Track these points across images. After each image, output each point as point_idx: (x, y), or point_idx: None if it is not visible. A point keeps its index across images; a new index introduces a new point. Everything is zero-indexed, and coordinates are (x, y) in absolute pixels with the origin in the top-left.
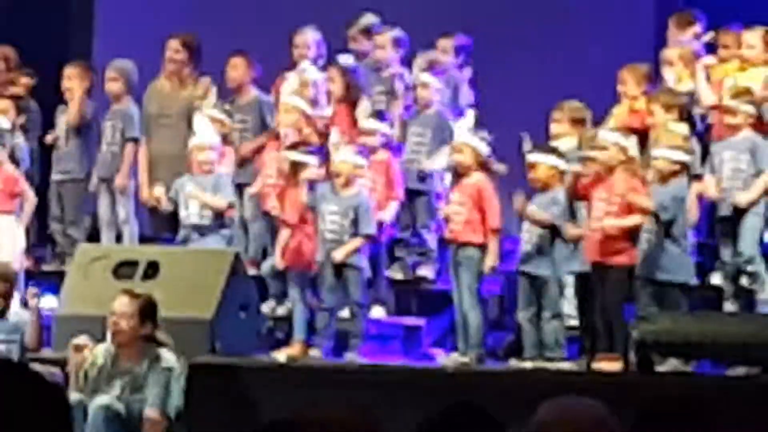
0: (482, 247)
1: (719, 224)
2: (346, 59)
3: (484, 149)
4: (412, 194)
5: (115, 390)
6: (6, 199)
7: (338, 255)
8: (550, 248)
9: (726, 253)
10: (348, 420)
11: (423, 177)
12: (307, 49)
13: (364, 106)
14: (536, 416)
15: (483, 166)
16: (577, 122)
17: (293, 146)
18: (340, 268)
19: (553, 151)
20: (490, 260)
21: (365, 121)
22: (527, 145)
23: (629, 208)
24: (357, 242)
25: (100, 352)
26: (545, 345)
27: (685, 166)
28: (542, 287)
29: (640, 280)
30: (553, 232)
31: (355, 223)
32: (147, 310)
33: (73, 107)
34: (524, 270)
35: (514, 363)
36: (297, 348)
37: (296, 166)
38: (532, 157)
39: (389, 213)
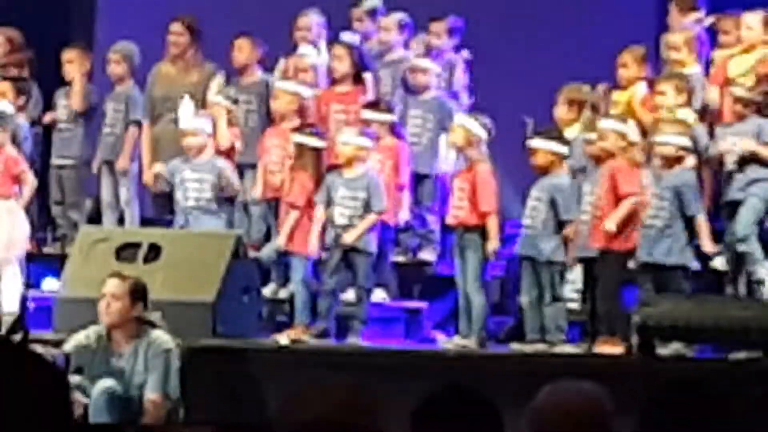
0: (486, 231)
1: (725, 209)
2: (350, 37)
3: (482, 132)
4: (415, 178)
5: (111, 373)
6: (7, 182)
7: (349, 238)
8: (553, 232)
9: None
10: (347, 402)
11: (426, 162)
12: (308, 32)
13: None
14: (534, 401)
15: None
16: (575, 103)
17: (297, 129)
18: (347, 252)
19: (554, 136)
20: (491, 244)
21: (364, 112)
22: (529, 128)
23: (617, 195)
24: (369, 221)
25: (93, 336)
26: (546, 329)
27: (689, 151)
28: (543, 271)
29: (642, 264)
30: (556, 215)
31: (366, 203)
32: (137, 292)
33: (76, 94)
34: (526, 254)
35: (515, 347)
36: (299, 331)
37: (302, 149)
38: (532, 143)
39: (405, 207)
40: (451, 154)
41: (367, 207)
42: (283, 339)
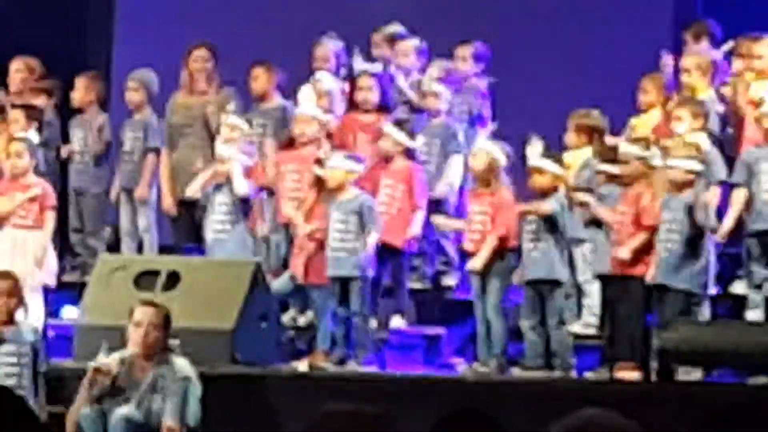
0: (507, 255)
1: (754, 237)
2: (375, 68)
3: (502, 160)
4: (430, 205)
5: (132, 400)
6: (35, 212)
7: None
8: (557, 255)
9: (757, 267)
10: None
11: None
12: (325, 62)
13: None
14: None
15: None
16: (583, 129)
17: (319, 160)
18: (346, 280)
19: (557, 158)
20: (478, 261)
21: (385, 126)
22: (536, 148)
23: (640, 222)
24: (371, 243)
25: (116, 362)
26: (553, 353)
27: (699, 175)
28: (548, 295)
29: (657, 289)
30: (556, 239)
31: (359, 226)
32: (168, 321)
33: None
34: (529, 278)
35: (518, 372)
36: (318, 357)
37: (321, 181)
38: (541, 163)
39: (416, 226)
40: (457, 178)
41: (360, 230)
42: (303, 366)
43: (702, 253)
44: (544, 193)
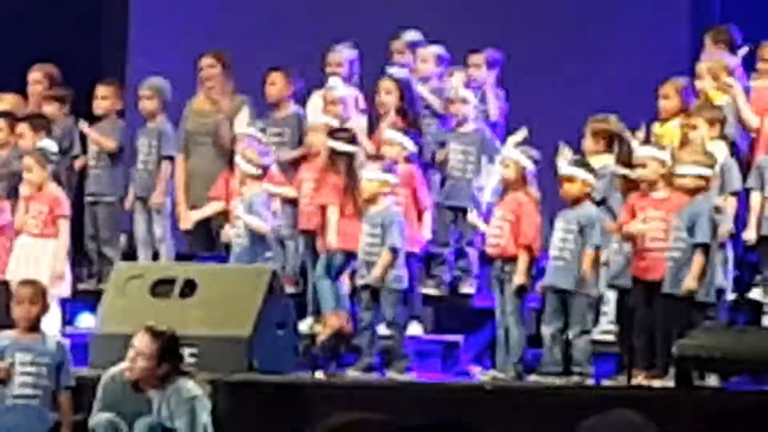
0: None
1: (765, 241)
2: (398, 72)
3: (530, 166)
4: (459, 211)
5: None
6: (49, 222)
7: (373, 279)
8: (580, 263)
9: None
10: None
11: (471, 195)
12: (339, 68)
13: (390, 118)
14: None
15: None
16: (599, 134)
17: (331, 133)
18: (374, 288)
19: (588, 166)
20: (518, 278)
21: (388, 132)
22: (566, 155)
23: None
24: (384, 258)
25: (117, 374)
26: (575, 361)
27: (708, 181)
28: (574, 302)
29: (667, 297)
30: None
31: (382, 238)
32: (167, 351)
33: (106, 136)
34: (556, 285)
35: (534, 379)
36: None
37: (335, 154)
38: (571, 171)
39: (426, 227)
40: (490, 185)
41: (383, 242)
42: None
43: (709, 261)
44: (576, 201)
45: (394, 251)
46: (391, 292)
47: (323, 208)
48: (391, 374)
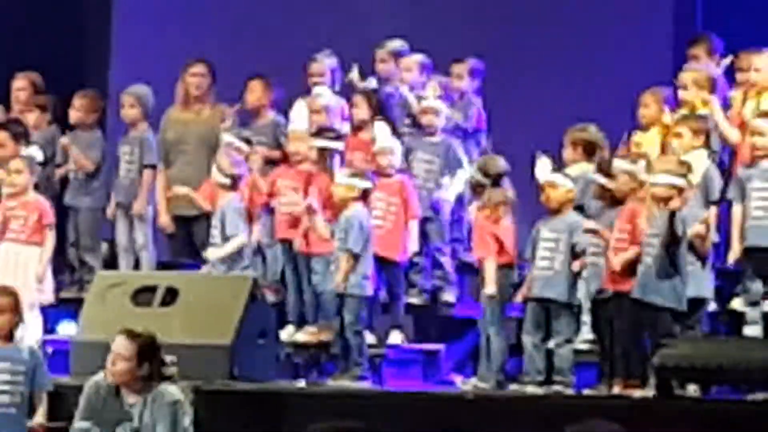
0: (503, 271)
1: (747, 253)
2: (368, 83)
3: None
4: (424, 221)
5: (121, 424)
6: (36, 230)
7: (335, 284)
8: (570, 275)
9: (752, 283)
10: None
11: (433, 205)
12: (322, 78)
13: (380, 127)
14: None
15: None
16: (579, 144)
17: (317, 133)
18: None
19: (568, 175)
20: (487, 288)
21: (382, 142)
22: (545, 164)
23: (635, 237)
24: (343, 263)
25: (101, 382)
26: (556, 370)
27: (681, 191)
28: (560, 312)
29: (641, 305)
30: (569, 257)
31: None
32: (146, 353)
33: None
34: (541, 296)
35: (515, 388)
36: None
37: (322, 153)
38: (552, 177)
39: (413, 237)
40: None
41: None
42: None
43: (679, 269)
44: (559, 208)
45: (354, 256)
46: (353, 298)
47: (309, 208)
48: (343, 381)
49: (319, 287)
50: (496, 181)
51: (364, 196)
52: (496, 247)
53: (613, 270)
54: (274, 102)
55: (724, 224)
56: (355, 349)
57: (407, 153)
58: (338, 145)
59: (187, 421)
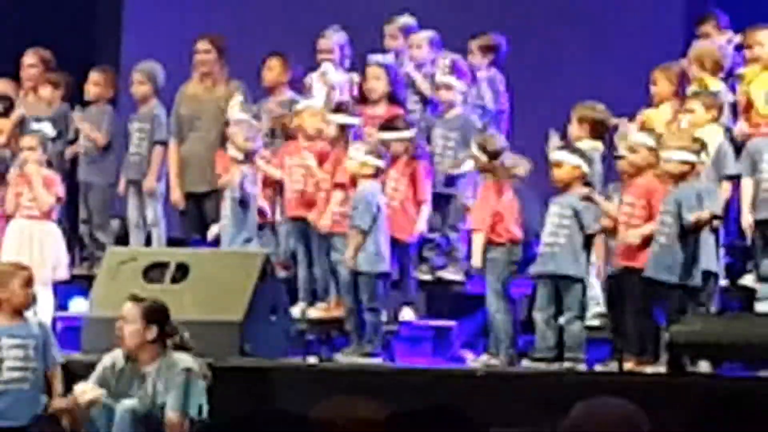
0: (505, 247)
1: (757, 228)
2: (385, 58)
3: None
4: (440, 198)
5: (136, 393)
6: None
7: (348, 261)
8: (580, 248)
9: (763, 259)
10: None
11: (450, 181)
12: (330, 54)
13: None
14: (568, 418)
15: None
16: (585, 121)
17: (335, 110)
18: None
19: (577, 151)
20: (473, 261)
21: (381, 133)
22: (554, 142)
23: (651, 213)
24: (352, 239)
25: (119, 356)
26: (568, 347)
27: (693, 166)
28: (569, 288)
29: (653, 283)
30: (581, 231)
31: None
32: (151, 315)
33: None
34: (549, 271)
35: (527, 364)
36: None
37: (342, 129)
38: (557, 155)
39: (422, 220)
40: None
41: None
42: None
43: (691, 247)
44: (566, 186)
45: (362, 232)
46: (365, 276)
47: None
48: (354, 357)
49: (339, 264)
50: (494, 158)
51: (377, 173)
52: (489, 221)
53: (630, 244)
54: (291, 80)
55: (733, 198)
56: (370, 327)
57: (427, 131)
58: (357, 120)
59: (200, 386)
